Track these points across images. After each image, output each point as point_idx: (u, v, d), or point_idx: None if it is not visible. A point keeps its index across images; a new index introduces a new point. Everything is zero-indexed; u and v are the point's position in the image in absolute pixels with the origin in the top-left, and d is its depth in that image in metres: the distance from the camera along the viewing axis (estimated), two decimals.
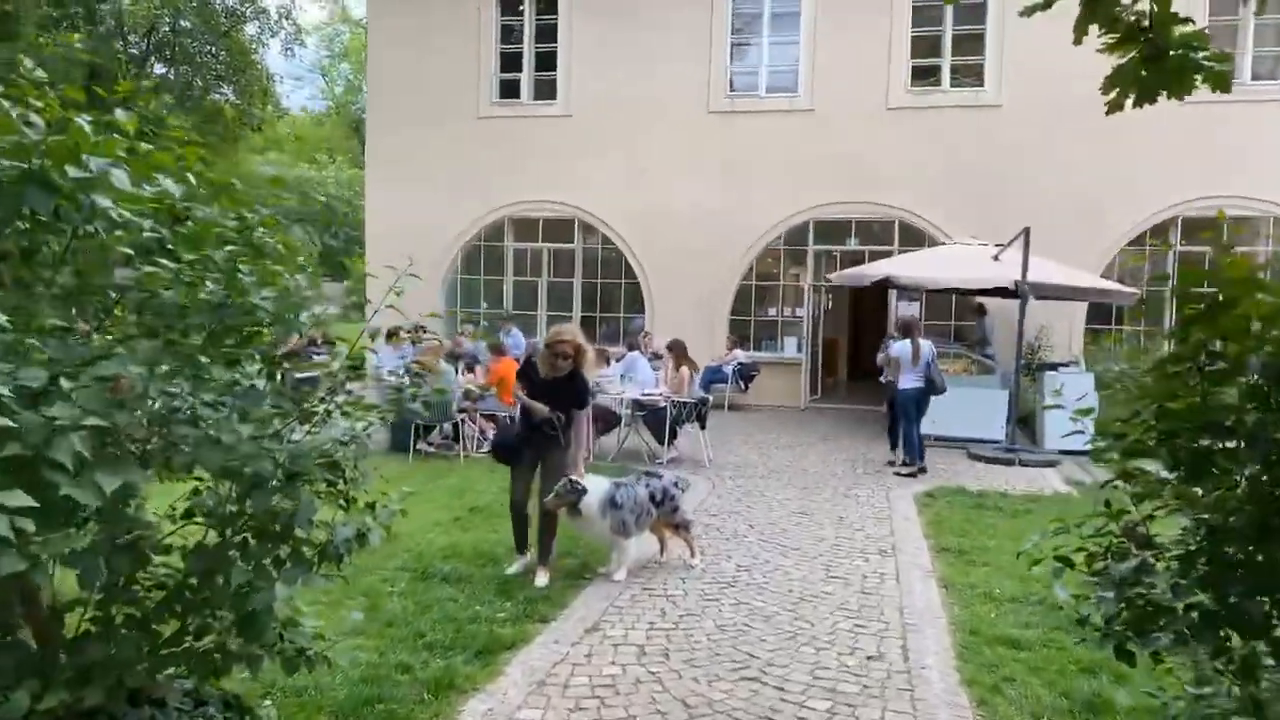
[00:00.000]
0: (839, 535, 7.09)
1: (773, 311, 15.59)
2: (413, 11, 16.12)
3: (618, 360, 12.74)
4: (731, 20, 15.09)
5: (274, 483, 3.02)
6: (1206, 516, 2.03)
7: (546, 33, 15.85)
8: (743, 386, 14.55)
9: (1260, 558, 1.88)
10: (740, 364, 14.54)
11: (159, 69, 23.81)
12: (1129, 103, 2.52)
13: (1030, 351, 13.02)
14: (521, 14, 15.87)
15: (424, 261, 16.01)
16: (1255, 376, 1.99)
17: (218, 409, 2.95)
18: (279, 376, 3.20)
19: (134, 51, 22.95)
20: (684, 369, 10.17)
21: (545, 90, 15.86)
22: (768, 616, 5.16)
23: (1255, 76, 13.64)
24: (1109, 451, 2.73)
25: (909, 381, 9.56)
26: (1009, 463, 10.38)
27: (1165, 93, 2.41)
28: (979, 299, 13.66)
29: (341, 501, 3.45)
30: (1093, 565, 2.52)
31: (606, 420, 10.42)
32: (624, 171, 15.29)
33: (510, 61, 16.02)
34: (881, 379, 10.31)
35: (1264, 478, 1.96)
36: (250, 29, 22.88)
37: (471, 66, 15.87)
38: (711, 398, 10.64)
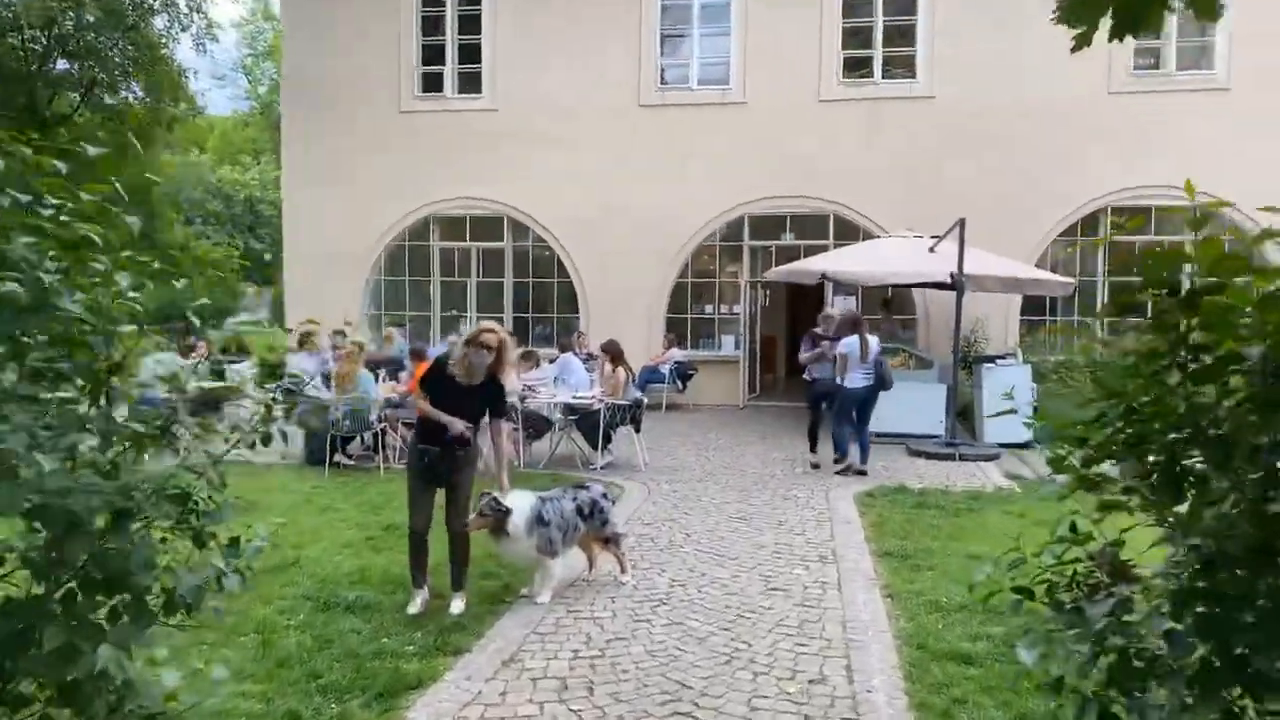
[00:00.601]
0: (778, 541, 6.75)
1: (710, 309, 15.28)
2: (329, 2, 15.41)
3: (550, 362, 12.29)
4: (661, 11, 14.73)
5: (98, 524, 2.51)
6: (1199, 542, 1.68)
7: (470, 24, 15.28)
8: (680, 386, 14.21)
9: (1266, 597, 1.54)
10: (678, 363, 14.21)
11: (62, 64, 22.50)
12: (1099, 36, 2.14)
13: (967, 344, 12.91)
14: (444, 4, 15.27)
15: (346, 263, 15.38)
16: (1254, 372, 1.64)
17: (33, 436, 2.44)
18: (105, 396, 2.69)
19: (35, 47, 21.65)
20: (619, 370, 9.76)
21: (470, 84, 15.30)
22: (702, 638, 4.77)
23: (1181, 67, 13.74)
24: (1063, 457, 2.41)
25: (858, 379, 9.26)
26: (949, 458, 10.20)
27: (1138, 24, 2.04)
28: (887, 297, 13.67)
29: (204, 540, 2.96)
30: (1054, 597, 2.17)
31: (537, 426, 9.96)
32: (554, 167, 14.81)
33: (433, 55, 15.42)
34: (806, 376, 10.00)
35: (1267, 493, 1.62)
36: (159, 22, 21.77)
37: (392, 59, 15.23)
38: (646, 399, 10.26)
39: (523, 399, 9.80)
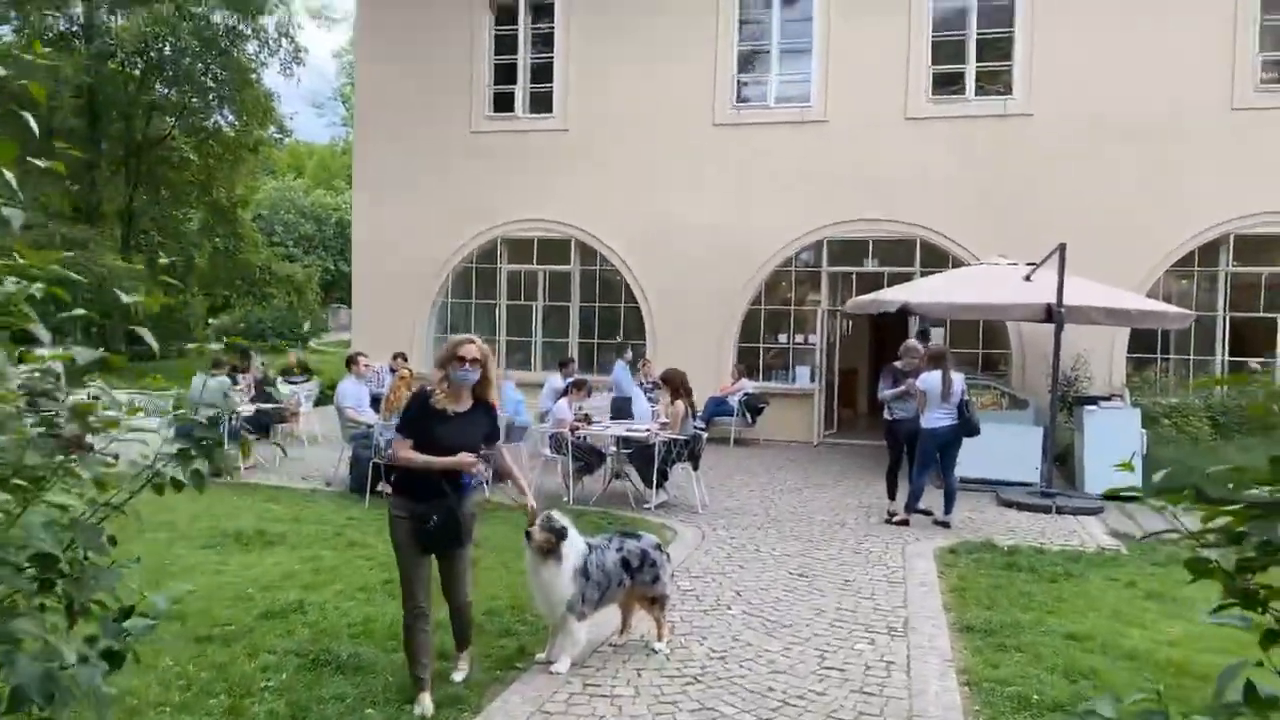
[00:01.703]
0: (841, 606, 5.91)
1: (784, 338, 14.44)
2: (403, 23, 15.32)
3: (609, 391, 11.69)
4: (739, 27, 14.11)
5: None
6: None
7: (543, 43, 14.96)
8: (750, 420, 13.40)
9: None
10: (748, 394, 13.41)
11: (161, 89, 23.24)
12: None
13: (1067, 383, 11.77)
14: (516, 23, 14.99)
15: (414, 285, 15.13)
16: None
17: None
18: None
19: (134, 72, 22.43)
20: (679, 403, 9.05)
21: (541, 103, 14.95)
22: None
23: None
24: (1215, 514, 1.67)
25: (937, 419, 8.33)
26: (1045, 510, 9.14)
27: None
28: (922, 326, 12.87)
29: (81, 610, 2.39)
30: None
31: (589, 459, 9.32)
32: (624, 188, 14.29)
33: (505, 74, 15.14)
34: (886, 414, 9.10)
35: None
36: (250, 48, 22.31)
37: (464, 79, 15.00)
38: (706, 434, 9.51)
39: (574, 429, 9.19)
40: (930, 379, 8.37)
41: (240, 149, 23.52)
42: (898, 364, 9.10)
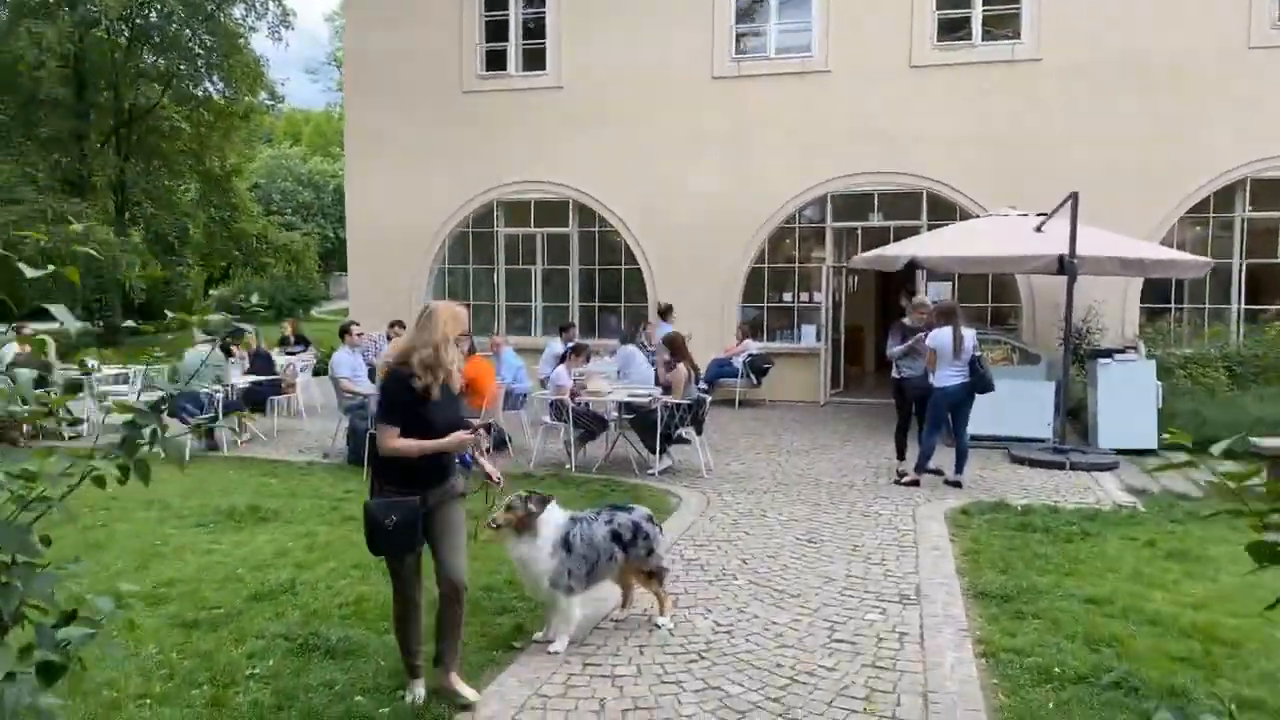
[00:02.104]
0: (851, 573, 5.71)
1: (789, 297, 14.15)
2: None
3: (610, 355, 11.45)
4: None
5: None
6: None
7: None
8: (755, 381, 13.16)
9: None
10: (752, 355, 13.15)
11: (148, 57, 22.74)
12: None
13: (1079, 336, 11.49)
14: None
15: (410, 251, 14.84)
16: None
17: None
18: None
19: (120, 40, 21.93)
20: (680, 366, 8.81)
21: (535, 60, 14.53)
22: (742, 712, 3.82)
23: None
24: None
25: (949, 377, 8.06)
26: (1058, 465, 8.92)
27: None
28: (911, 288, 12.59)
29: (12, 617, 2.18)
30: None
31: (591, 425, 9.11)
32: (621, 146, 13.92)
33: (497, 31, 14.69)
34: (894, 373, 8.85)
35: None
36: (237, 12, 21.78)
37: (454, 37, 14.57)
38: (709, 397, 9.28)
39: (574, 395, 8.97)
40: (940, 335, 8.09)
41: (231, 117, 23.09)
42: (906, 320, 8.83)
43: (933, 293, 12.55)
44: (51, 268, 2.09)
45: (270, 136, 42.58)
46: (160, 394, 2.39)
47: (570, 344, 10.03)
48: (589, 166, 14.09)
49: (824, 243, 13.83)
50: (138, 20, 20.91)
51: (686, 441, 8.89)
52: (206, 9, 21.01)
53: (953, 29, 13.08)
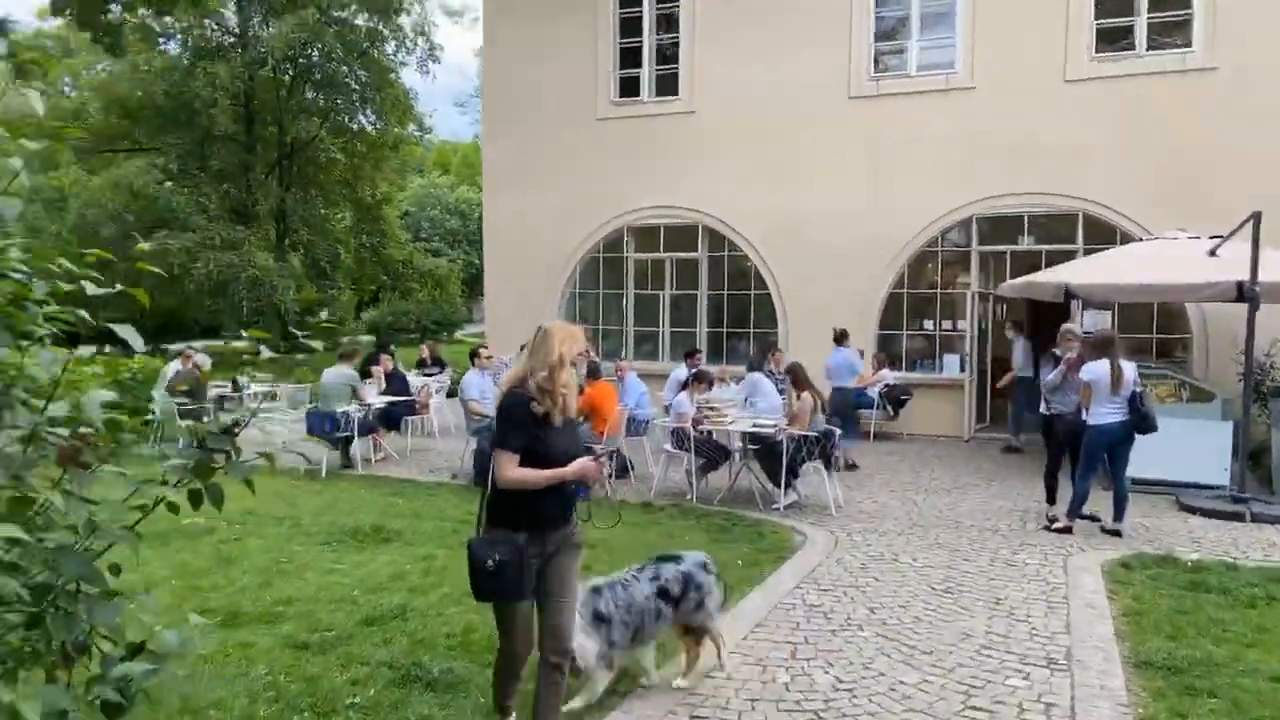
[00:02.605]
0: (992, 630, 5.19)
1: (930, 325, 13.44)
2: (529, 11, 15.17)
3: (736, 382, 11.14)
4: None
5: None
6: None
7: (668, 23, 14.49)
8: (891, 412, 12.53)
9: None
10: (889, 385, 12.54)
11: (309, 93, 24.21)
12: None
13: (1261, 371, 10.33)
14: (641, 4, 14.56)
15: (543, 276, 15.02)
16: None
17: None
18: None
19: (286, 77, 23.46)
20: (805, 396, 8.42)
21: (667, 86, 14.49)
22: None
23: None
24: None
25: (1106, 414, 7.34)
26: (1237, 517, 7.97)
27: None
28: (1012, 319, 12.28)
29: (79, 648, 2.12)
30: None
31: (713, 455, 8.83)
32: (753, 170, 13.66)
33: (631, 57, 14.76)
34: (1045, 409, 8.15)
35: None
36: (389, 48, 22.94)
37: (589, 65, 14.72)
38: (840, 430, 8.83)
39: (697, 423, 8.72)
40: (1096, 369, 7.39)
41: (382, 148, 24.30)
42: (1058, 351, 8.16)
43: (1089, 322, 11.65)
44: (119, 287, 2.03)
45: (421, 167, 44.65)
46: (234, 417, 2.30)
47: (694, 370, 9.78)
48: (720, 190, 13.89)
49: (969, 267, 13.08)
50: (300, 59, 22.31)
51: (795, 476, 8.47)
52: (361, 46, 22.21)
53: (1112, 39, 12.18)
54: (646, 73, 14.59)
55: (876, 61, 13.33)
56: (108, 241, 21.48)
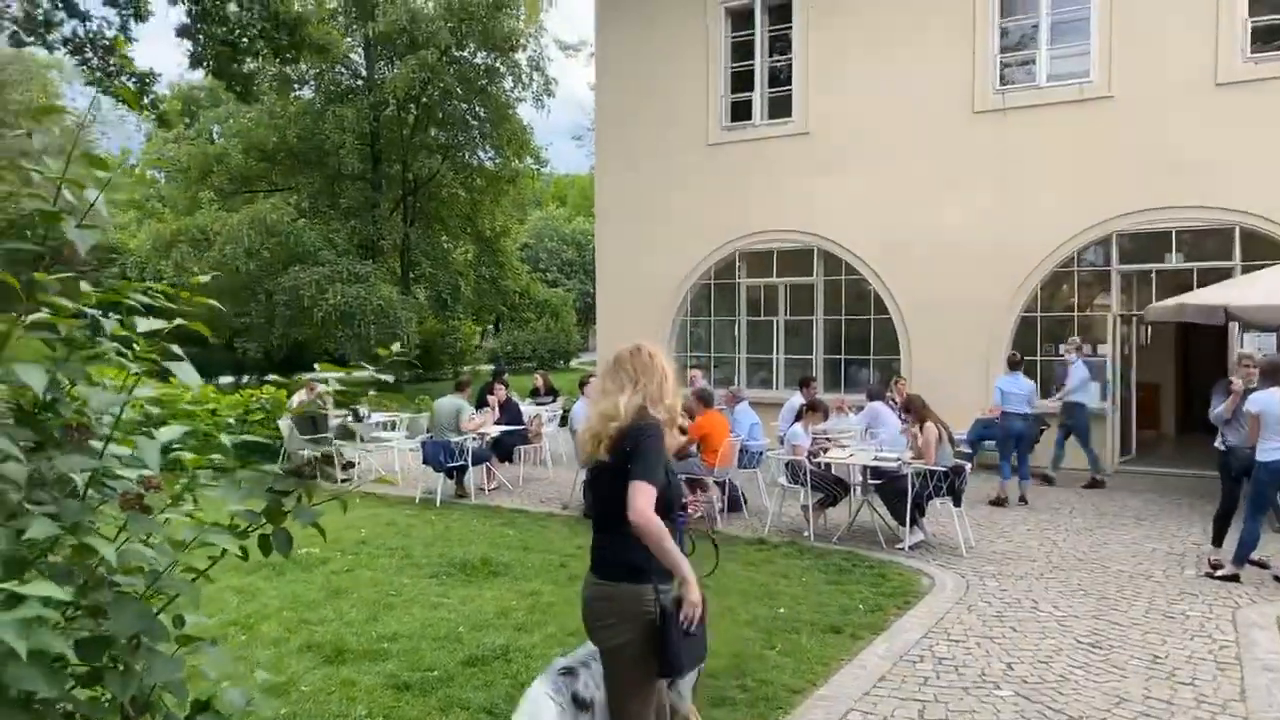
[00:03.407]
0: (1150, 694, 4.60)
1: (1065, 350, 12.54)
2: (640, 40, 15.19)
3: (855, 411, 10.66)
4: (999, 1, 12.53)
5: None
6: None
7: (781, 44, 14.22)
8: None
9: None
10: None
11: (432, 132, 25.04)
12: None
13: None
14: (753, 28, 14.36)
15: (654, 304, 14.89)
16: None
17: None
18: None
19: (410, 117, 24.35)
20: (929, 427, 7.90)
21: (780, 108, 14.19)
22: None
23: None
24: None
25: (1275, 450, 6.59)
26: None
27: None
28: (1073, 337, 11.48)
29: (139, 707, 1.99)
30: None
31: (831, 490, 8.39)
32: (870, 191, 13.16)
33: (742, 81, 14.55)
34: (1219, 443, 7.37)
35: None
36: (506, 84, 23.53)
37: (700, 91, 14.59)
38: (970, 465, 8.23)
39: (812, 456, 8.32)
40: (1264, 399, 6.63)
41: (500, 182, 24.88)
42: (1233, 379, 7.40)
43: (1249, 346, 10.61)
44: (177, 321, 1.91)
45: (539, 200, 45.67)
46: (310, 451, 2.16)
47: (808, 400, 9.37)
48: (835, 213, 13.44)
49: (1109, 288, 12.18)
50: (423, 99, 23.12)
51: (921, 513, 7.92)
52: (479, 84, 22.85)
53: (1269, 38, 11.17)
54: (759, 95, 14.33)
55: (1002, 75, 12.66)
56: (248, 276, 22.72)
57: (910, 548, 7.74)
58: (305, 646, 5.23)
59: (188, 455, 2.04)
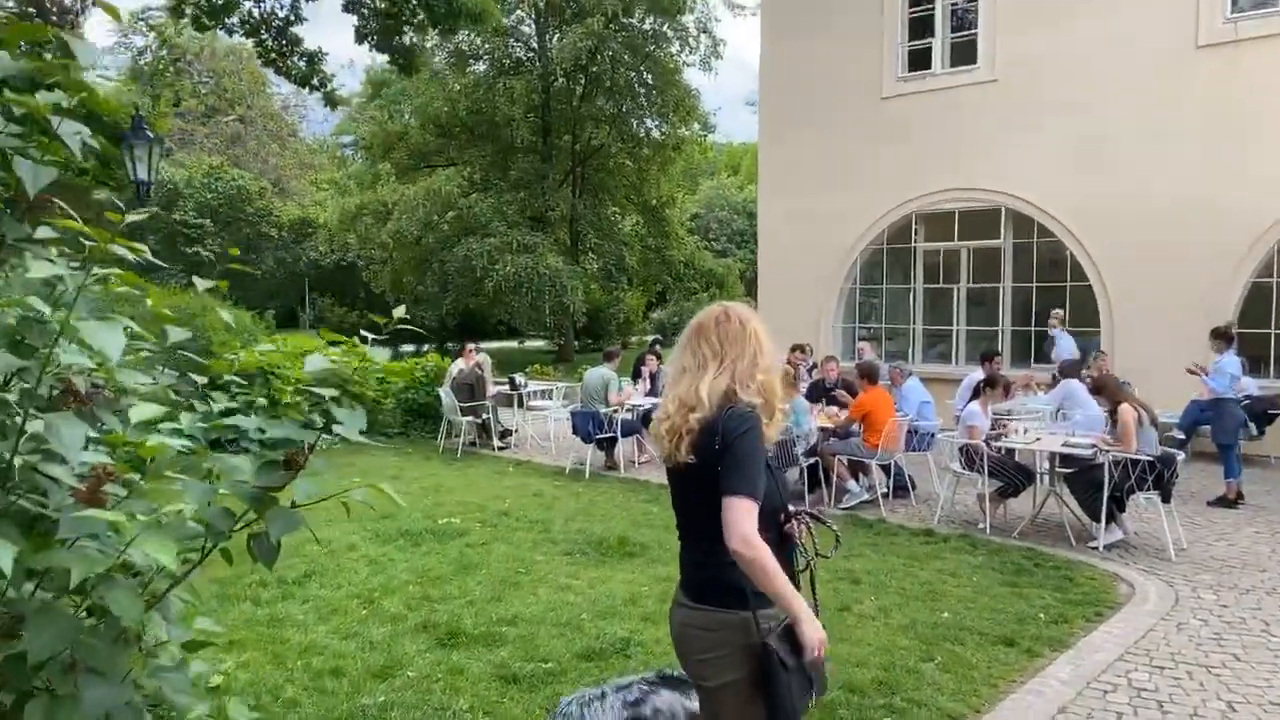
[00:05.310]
0: None
1: None
2: None
3: (1045, 389, 9.52)
4: None
5: None
6: None
7: None
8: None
9: None
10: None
11: (600, 102, 24.93)
12: None
13: None
14: None
15: (819, 272, 14.04)
16: None
17: None
18: None
19: (578, 88, 24.33)
20: (1125, 409, 6.78)
21: (963, 55, 12.88)
22: None
23: None
24: None
25: None
26: None
27: None
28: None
29: None
30: None
31: (1014, 478, 7.42)
32: (1068, 143, 11.71)
33: (919, 28, 13.32)
34: None
35: None
36: (673, 49, 22.99)
37: (874, 41, 13.47)
38: (1185, 454, 7.03)
39: (995, 438, 7.39)
40: None
41: (666, 149, 24.50)
42: None
43: None
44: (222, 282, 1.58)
45: (713, 169, 45.04)
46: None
47: (987, 376, 8.36)
48: (1027, 168, 12.07)
49: None
50: (591, 68, 22.99)
51: (1121, 508, 6.81)
52: (646, 50, 22.43)
53: None
54: (939, 41, 13.07)
55: (1233, 1, 10.87)
56: (424, 249, 23.55)
57: (1105, 547, 6.71)
58: (422, 626, 5.02)
59: (152, 441, 1.67)
